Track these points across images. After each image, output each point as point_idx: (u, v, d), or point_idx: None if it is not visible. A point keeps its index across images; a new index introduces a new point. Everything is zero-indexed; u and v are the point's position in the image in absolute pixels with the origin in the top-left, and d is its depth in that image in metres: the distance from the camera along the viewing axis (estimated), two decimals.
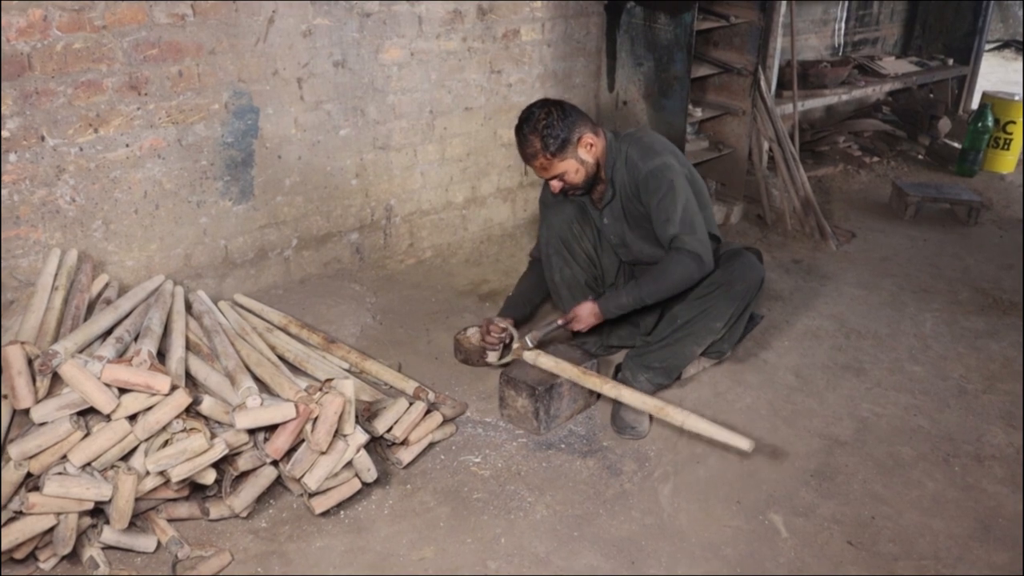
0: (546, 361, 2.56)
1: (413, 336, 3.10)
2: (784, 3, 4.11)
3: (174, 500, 2.13)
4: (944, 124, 5.39)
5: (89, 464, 1.93)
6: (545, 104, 2.56)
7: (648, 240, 2.71)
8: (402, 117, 3.46)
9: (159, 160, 2.86)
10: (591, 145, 2.58)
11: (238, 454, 2.11)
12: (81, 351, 2.07)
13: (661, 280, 2.57)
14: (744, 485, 2.36)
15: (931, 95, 5.76)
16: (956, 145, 5.25)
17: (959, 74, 5.67)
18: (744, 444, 2.21)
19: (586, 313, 2.66)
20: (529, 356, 2.61)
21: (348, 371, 2.68)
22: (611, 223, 2.75)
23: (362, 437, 2.15)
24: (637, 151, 2.60)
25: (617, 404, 2.55)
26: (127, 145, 2.78)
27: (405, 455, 2.37)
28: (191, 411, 2.01)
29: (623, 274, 2.90)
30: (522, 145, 2.56)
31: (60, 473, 1.90)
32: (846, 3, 5.43)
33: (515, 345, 2.67)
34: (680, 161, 2.63)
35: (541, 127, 2.50)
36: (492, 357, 2.74)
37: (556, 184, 2.63)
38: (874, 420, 2.67)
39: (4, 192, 2.58)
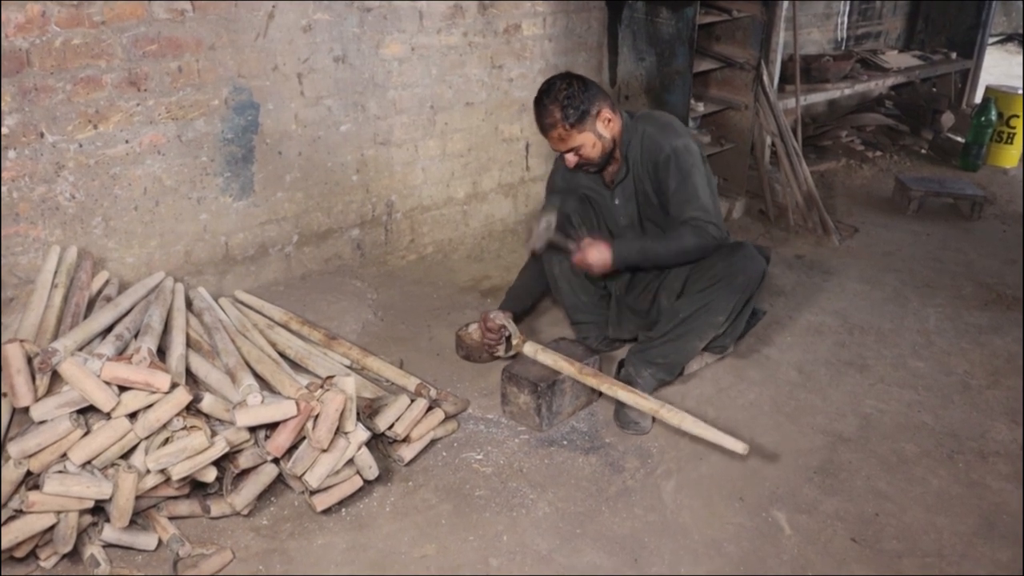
0: (545, 356, 2.55)
1: (415, 332, 3.09)
2: None
3: (175, 498, 2.12)
4: (947, 118, 5.37)
5: (89, 462, 1.92)
6: (566, 76, 2.56)
7: (657, 222, 2.71)
8: (403, 112, 3.45)
9: (159, 156, 2.85)
10: (609, 120, 2.57)
11: (239, 452, 2.10)
12: (81, 349, 2.06)
13: (673, 243, 2.57)
14: (747, 482, 2.35)
15: (934, 89, 5.74)
16: (959, 139, 5.23)
17: (962, 68, 5.64)
18: (739, 447, 2.18)
19: (597, 251, 2.58)
20: (528, 350, 2.60)
21: (349, 368, 2.67)
22: (622, 204, 2.75)
23: (363, 434, 2.15)
24: (656, 129, 2.60)
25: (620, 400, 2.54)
26: (127, 141, 2.76)
27: (407, 452, 2.36)
28: (191, 409, 2.01)
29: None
30: (541, 116, 2.55)
31: (60, 471, 1.89)
32: None
33: (515, 341, 2.66)
34: (697, 143, 2.64)
35: (562, 97, 2.49)
36: (500, 351, 2.74)
37: (572, 158, 2.61)
38: (877, 416, 2.66)
39: (4, 189, 2.57)
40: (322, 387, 2.11)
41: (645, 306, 2.85)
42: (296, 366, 2.55)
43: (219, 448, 1.99)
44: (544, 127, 2.56)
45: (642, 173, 2.64)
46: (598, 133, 2.57)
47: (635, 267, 2.73)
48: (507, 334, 2.68)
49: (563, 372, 2.52)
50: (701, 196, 2.54)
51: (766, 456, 2.45)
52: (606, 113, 2.56)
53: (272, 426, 2.05)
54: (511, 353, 2.71)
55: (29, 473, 1.89)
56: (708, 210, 2.55)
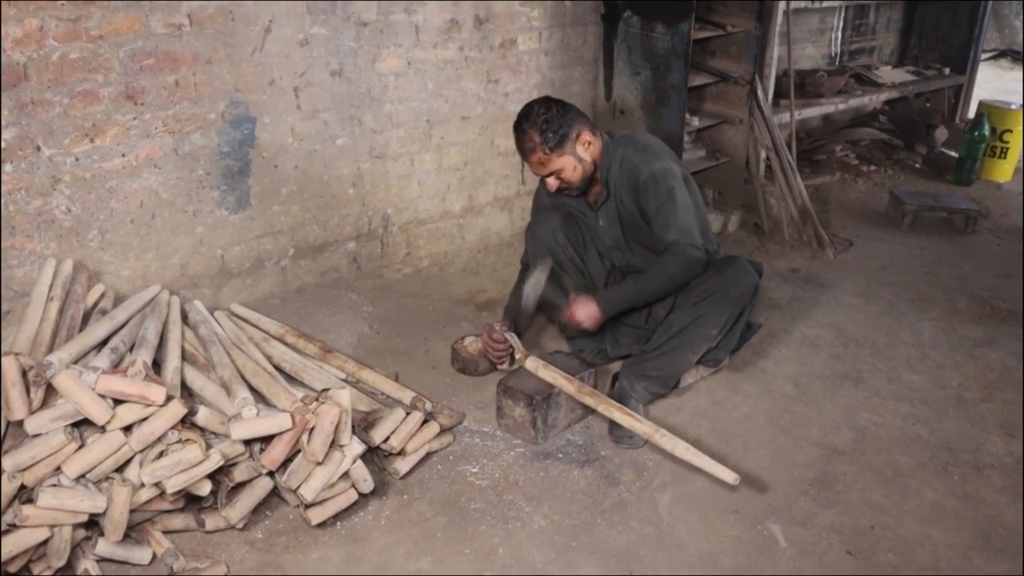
0: (546, 373, 2.54)
1: (410, 345, 3.09)
2: (781, 13, 4.12)
3: (169, 512, 2.11)
4: (941, 133, 5.40)
5: (83, 476, 1.91)
6: (545, 100, 2.57)
7: (643, 243, 2.72)
8: (399, 126, 3.46)
9: (155, 170, 2.86)
10: (589, 143, 2.58)
11: (234, 465, 2.09)
12: (76, 362, 2.06)
13: (658, 277, 2.59)
14: (742, 495, 2.35)
15: (928, 104, 5.78)
16: (953, 154, 5.26)
17: (955, 83, 5.69)
18: (729, 477, 2.17)
19: (584, 307, 2.61)
20: (531, 365, 2.59)
21: (345, 381, 2.67)
22: (606, 225, 2.76)
23: (359, 447, 2.14)
24: (635, 152, 2.61)
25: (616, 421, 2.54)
26: (123, 155, 2.77)
27: (402, 465, 2.36)
28: (186, 422, 2.01)
29: (613, 280, 2.90)
30: (520, 140, 2.56)
31: (54, 485, 1.89)
32: (843, 13, 5.45)
33: (518, 356, 2.65)
34: (679, 164, 2.64)
35: (540, 121, 2.50)
36: (505, 364, 2.74)
37: (553, 182, 2.62)
38: (872, 429, 2.66)
39: (0, 202, 2.57)
40: (317, 400, 2.11)
41: (640, 321, 2.86)
42: (291, 379, 2.54)
43: (214, 461, 1.99)
44: (524, 151, 2.57)
45: (624, 196, 2.65)
46: (578, 156, 2.57)
47: (628, 310, 2.73)
48: (510, 350, 2.67)
49: (562, 390, 2.51)
50: (681, 218, 2.54)
51: (761, 469, 2.45)
52: (586, 136, 2.57)
53: (267, 439, 2.04)
54: (514, 367, 2.70)
55: (23, 487, 1.88)
56: (689, 231, 2.55)
